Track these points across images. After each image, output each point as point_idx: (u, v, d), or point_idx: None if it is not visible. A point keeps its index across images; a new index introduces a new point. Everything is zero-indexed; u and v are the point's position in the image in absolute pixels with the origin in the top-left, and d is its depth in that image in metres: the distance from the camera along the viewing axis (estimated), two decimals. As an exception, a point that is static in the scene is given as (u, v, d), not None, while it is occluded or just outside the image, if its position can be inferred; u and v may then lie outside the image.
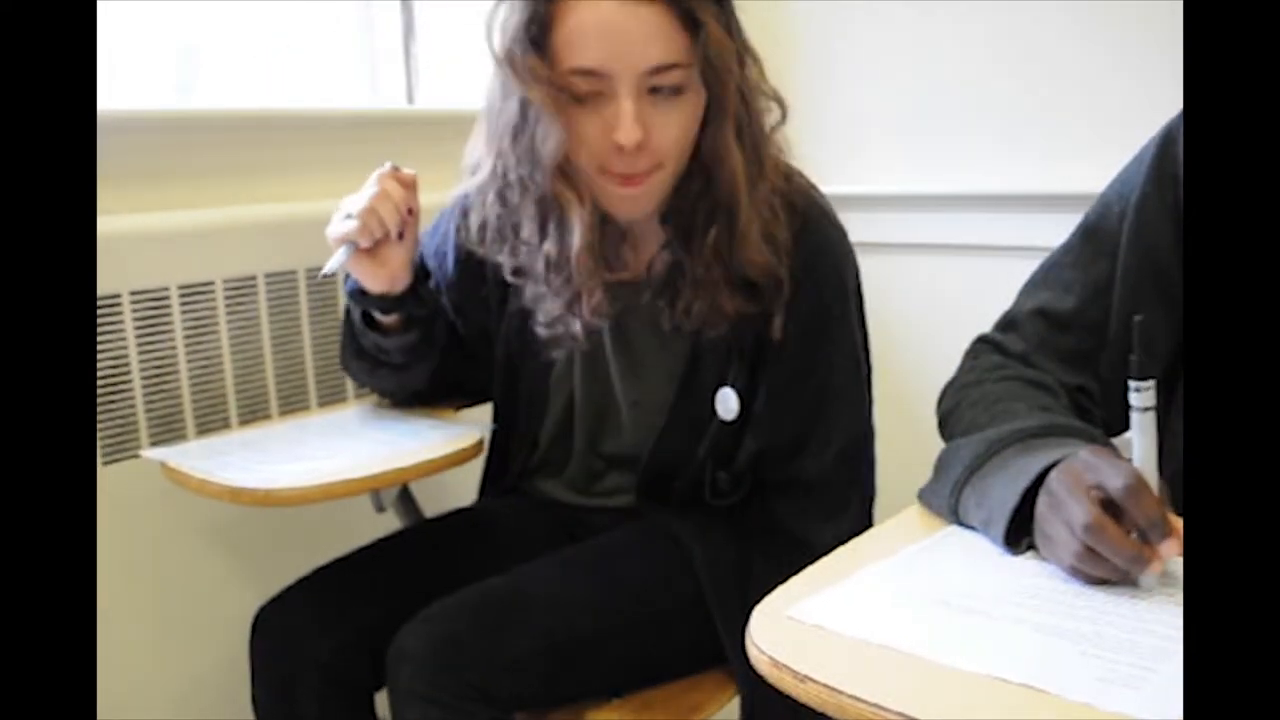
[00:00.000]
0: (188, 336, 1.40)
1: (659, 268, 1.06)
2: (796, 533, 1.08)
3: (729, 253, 1.00)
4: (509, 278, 1.09)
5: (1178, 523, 0.66)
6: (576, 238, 1.00)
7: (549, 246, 1.02)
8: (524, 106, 0.97)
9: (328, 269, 1.12)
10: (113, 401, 1.33)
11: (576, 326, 1.05)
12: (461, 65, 1.96)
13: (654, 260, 1.07)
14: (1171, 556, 0.66)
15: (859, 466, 1.13)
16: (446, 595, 1.04)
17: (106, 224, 1.30)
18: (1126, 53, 1.65)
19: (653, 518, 1.15)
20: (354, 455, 1.15)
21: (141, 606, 1.38)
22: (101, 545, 1.30)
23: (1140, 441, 0.69)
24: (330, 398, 1.57)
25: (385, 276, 1.13)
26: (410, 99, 1.94)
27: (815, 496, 1.09)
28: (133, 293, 1.33)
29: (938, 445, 0.88)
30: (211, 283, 1.41)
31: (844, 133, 1.91)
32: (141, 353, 1.35)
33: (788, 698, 0.61)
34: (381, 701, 1.07)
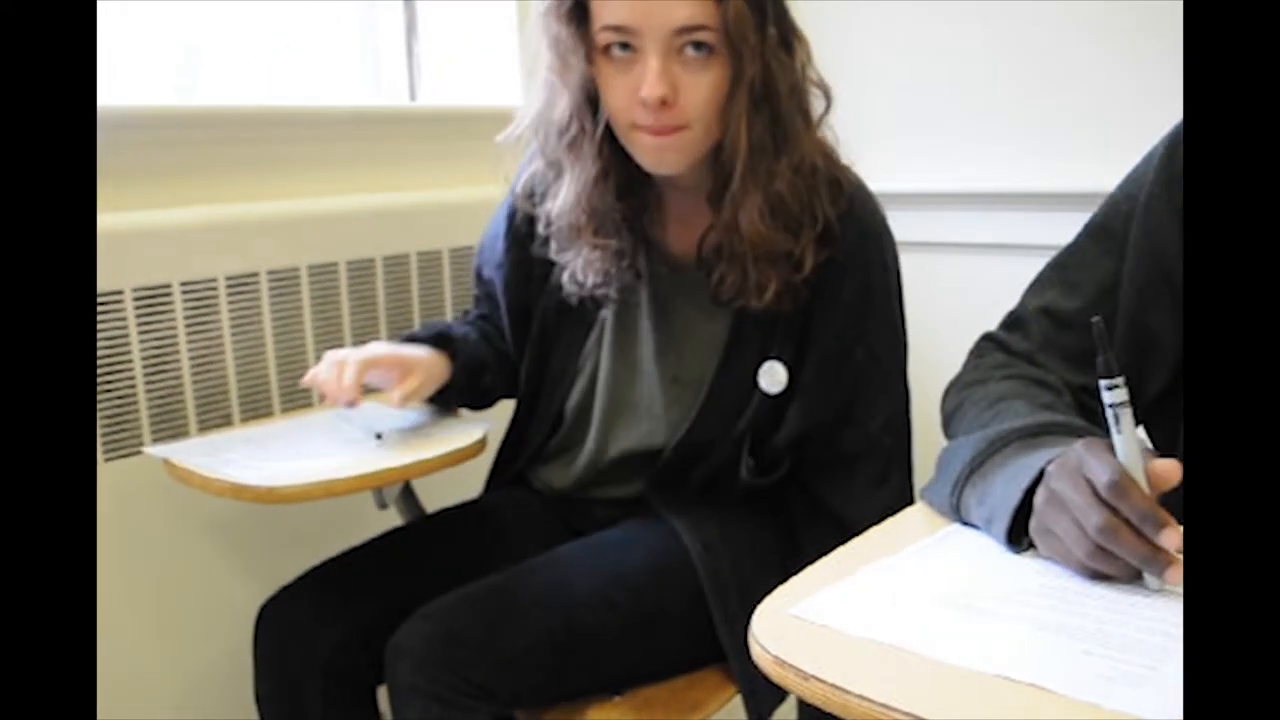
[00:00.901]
0: (190, 333, 1.40)
1: (708, 247, 1.10)
2: (841, 512, 1.10)
3: (731, 217, 1.05)
4: (541, 231, 1.16)
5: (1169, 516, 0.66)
6: (570, 197, 1.09)
7: (550, 205, 1.12)
8: (552, 73, 1.07)
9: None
10: (114, 398, 1.33)
11: (577, 277, 1.14)
12: (464, 62, 1.96)
13: (704, 238, 1.11)
14: (1173, 548, 0.65)
15: (902, 439, 1.15)
16: (447, 591, 1.04)
17: (109, 220, 1.30)
18: (1134, 51, 1.65)
19: (656, 511, 1.15)
20: (356, 452, 1.15)
21: (143, 603, 1.38)
22: (103, 542, 1.30)
23: (1120, 438, 0.69)
24: (332, 395, 1.57)
25: (429, 390, 1.19)
26: (413, 95, 1.94)
27: (859, 470, 1.11)
28: (135, 289, 1.33)
29: (943, 443, 0.88)
30: (214, 279, 1.41)
31: (846, 131, 1.90)
32: (144, 349, 1.35)
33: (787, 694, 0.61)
34: (384, 697, 1.07)
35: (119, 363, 1.33)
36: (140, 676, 1.38)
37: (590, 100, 1.06)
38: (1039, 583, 0.68)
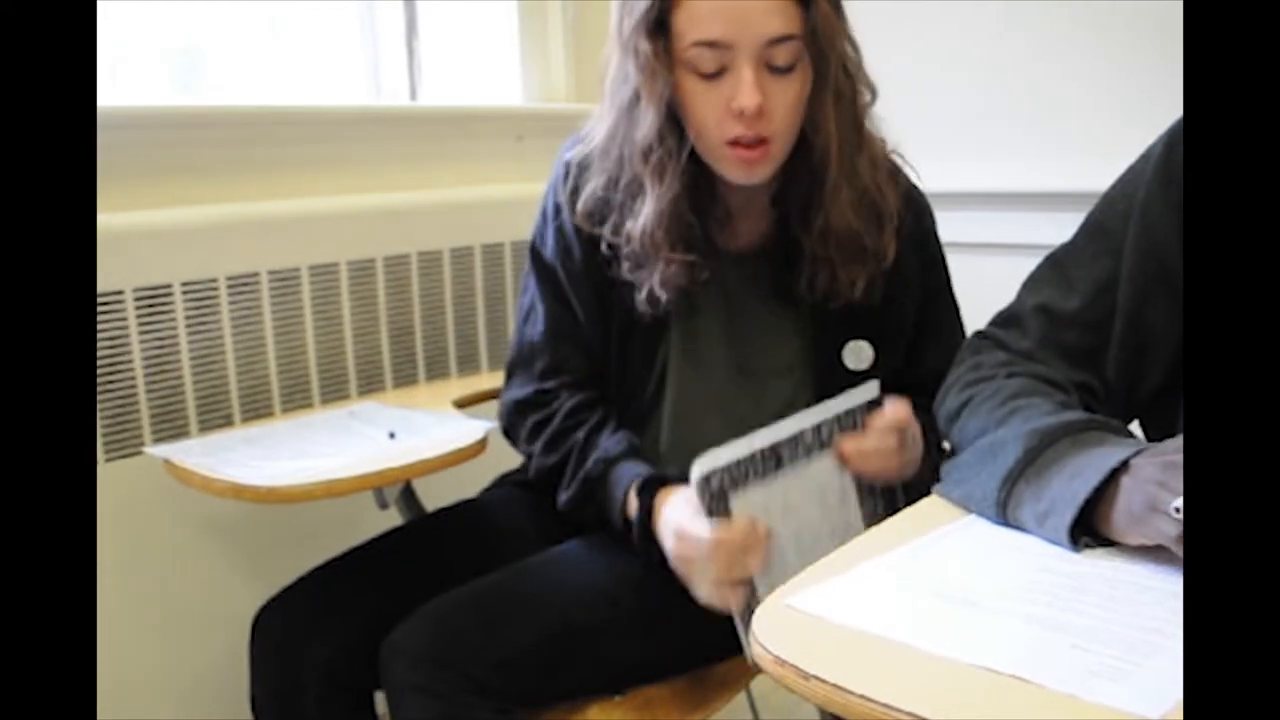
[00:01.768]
0: (191, 333, 1.40)
1: (769, 241, 1.14)
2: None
3: (824, 219, 1.07)
4: (605, 248, 1.12)
5: None
6: (651, 215, 1.07)
7: (630, 224, 1.09)
8: (636, 92, 1.05)
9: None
10: (115, 398, 1.33)
11: (655, 294, 1.10)
12: (464, 62, 1.96)
13: (766, 234, 1.14)
14: None
15: None
16: (446, 592, 1.04)
17: (110, 221, 1.30)
18: (1134, 51, 1.65)
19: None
20: (357, 452, 1.15)
21: (143, 603, 1.38)
22: (104, 542, 1.30)
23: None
24: (333, 394, 1.57)
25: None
26: (413, 95, 1.94)
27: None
28: (136, 289, 1.33)
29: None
30: (214, 279, 1.41)
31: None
32: (144, 349, 1.35)
33: None
34: (381, 701, 1.07)
35: (120, 363, 1.33)
36: (140, 676, 1.39)
37: (673, 118, 1.05)
38: (1036, 579, 0.69)
